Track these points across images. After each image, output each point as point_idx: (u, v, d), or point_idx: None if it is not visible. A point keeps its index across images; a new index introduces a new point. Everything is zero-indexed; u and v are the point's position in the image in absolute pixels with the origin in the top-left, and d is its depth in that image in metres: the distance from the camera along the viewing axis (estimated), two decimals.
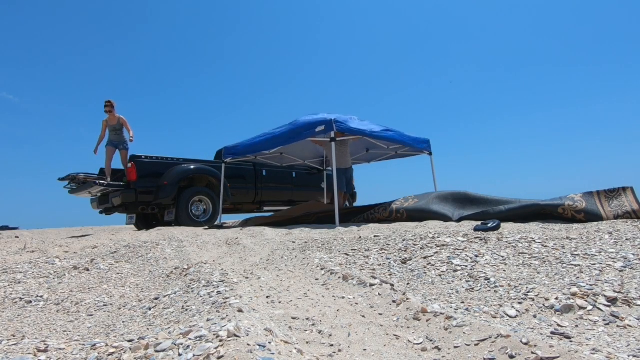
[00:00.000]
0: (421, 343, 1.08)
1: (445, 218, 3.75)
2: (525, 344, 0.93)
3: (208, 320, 1.12)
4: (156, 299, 1.67)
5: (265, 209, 7.12)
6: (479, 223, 2.96)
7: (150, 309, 1.54)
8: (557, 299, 1.32)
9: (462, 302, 1.42)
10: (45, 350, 1.00)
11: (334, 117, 4.37)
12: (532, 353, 0.89)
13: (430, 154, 5.77)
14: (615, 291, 1.34)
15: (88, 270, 2.34)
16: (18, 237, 4.58)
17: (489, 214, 3.48)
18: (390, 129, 5.00)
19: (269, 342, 0.93)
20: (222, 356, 0.83)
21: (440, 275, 1.72)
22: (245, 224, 5.60)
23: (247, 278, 1.85)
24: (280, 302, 1.47)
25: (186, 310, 1.39)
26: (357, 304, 1.44)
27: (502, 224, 2.99)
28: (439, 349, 1.03)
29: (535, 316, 1.25)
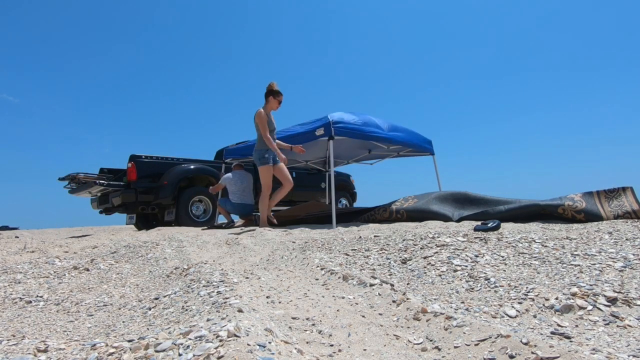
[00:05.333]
0: (421, 343, 1.08)
1: (445, 218, 3.75)
2: (525, 344, 0.93)
3: (208, 320, 1.12)
4: (156, 299, 1.67)
5: None
6: (479, 223, 2.96)
7: (150, 309, 1.54)
8: (557, 299, 1.32)
9: (462, 302, 1.42)
10: (45, 350, 1.00)
11: (334, 118, 4.38)
12: (532, 353, 0.89)
13: (433, 154, 5.78)
14: (615, 291, 1.34)
15: (88, 270, 2.34)
16: (18, 237, 4.58)
17: (489, 214, 3.48)
18: (397, 127, 5.01)
19: (269, 342, 0.93)
20: (222, 356, 0.83)
21: (440, 275, 1.72)
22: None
23: (247, 278, 1.85)
24: (280, 302, 1.47)
25: (186, 310, 1.39)
26: (357, 304, 1.44)
27: (502, 224, 2.99)
28: (439, 349, 1.03)
29: (535, 316, 1.25)
